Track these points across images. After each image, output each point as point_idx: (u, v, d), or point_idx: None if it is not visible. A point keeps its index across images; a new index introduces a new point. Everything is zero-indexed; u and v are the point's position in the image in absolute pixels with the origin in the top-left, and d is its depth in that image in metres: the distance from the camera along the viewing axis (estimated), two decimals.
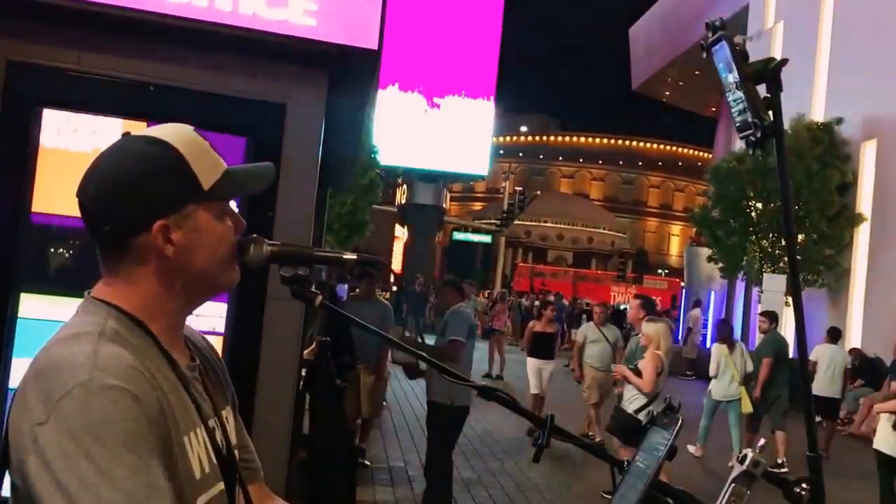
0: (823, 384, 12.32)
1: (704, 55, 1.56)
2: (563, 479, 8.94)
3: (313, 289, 1.47)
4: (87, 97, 3.60)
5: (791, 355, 11.33)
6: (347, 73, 4.10)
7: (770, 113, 1.46)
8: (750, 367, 10.76)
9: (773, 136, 1.45)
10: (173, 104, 3.61)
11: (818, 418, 12.15)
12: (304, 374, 6.73)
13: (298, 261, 1.48)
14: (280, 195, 3.92)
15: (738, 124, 1.49)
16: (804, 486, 1.36)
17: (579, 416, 11.32)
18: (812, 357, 12.69)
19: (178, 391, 1.32)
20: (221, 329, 4.07)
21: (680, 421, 1.39)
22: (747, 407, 10.41)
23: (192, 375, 1.41)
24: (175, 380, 1.33)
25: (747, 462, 1.36)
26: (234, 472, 1.44)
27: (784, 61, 1.50)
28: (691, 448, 10.72)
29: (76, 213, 1.35)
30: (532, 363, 12.18)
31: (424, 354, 1.77)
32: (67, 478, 1.09)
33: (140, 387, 1.20)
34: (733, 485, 1.37)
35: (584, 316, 23.84)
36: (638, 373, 7.42)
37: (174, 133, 1.37)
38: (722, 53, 1.52)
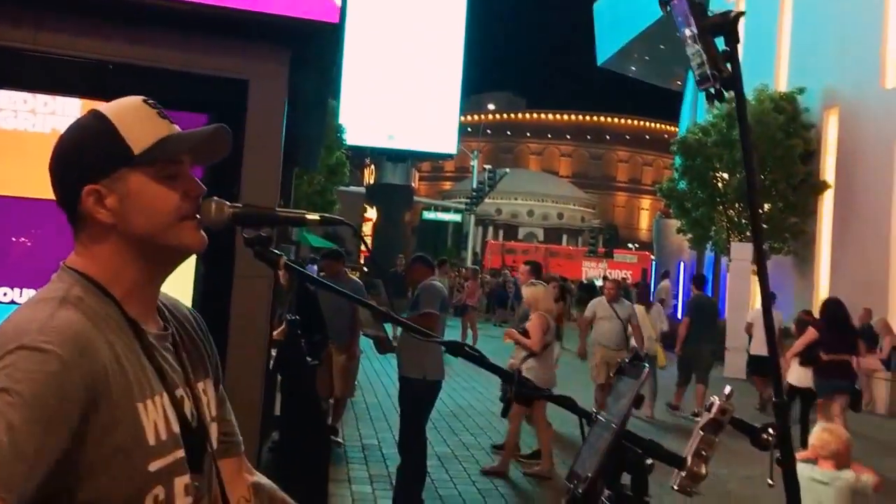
0: (759, 344, 13.11)
1: (662, 9, 1.56)
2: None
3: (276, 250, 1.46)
4: (43, 77, 3.54)
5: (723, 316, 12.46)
6: (310, 48, 4.06)
7: (728, 65, 1.46)
8: (665, 327, 12.52)
9: (731, 88, 1.46)
10: (133, 82, 3.55)
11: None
12: (274, 354, 6.72)
13: (261, 221, 1.47)
14: (245, 172, 3.89)
15: (697, 78, 1.50)
16: (770, 431, 1.37)
17: (584, 398, 10.40)
18: (749, 320, 14.03)
19: (139, 359, 1.34)
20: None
21: (646, 369, 1.40)
22: (661, 361, 11.95)
23: (162, 345, 1.42)
24: (137, 347, 1.35)
25: (714, 410, 1.37)
26: (202, 442, 1.43)
27: (741, 14, 1.51)
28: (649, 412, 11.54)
29: (35, 194, 1.38)
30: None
31: (402, 318, 1.76)
32: None
33: (77, 356, 1.22)
34: (702, 433, 1.37)
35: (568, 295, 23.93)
36: (526, 334, 8.02)
37: (116, 103, 1.43)
38: (680, 7, 1.53)
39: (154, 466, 1.31)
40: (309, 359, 6.77)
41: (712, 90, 1.48)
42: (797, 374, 9.93)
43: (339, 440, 8.94)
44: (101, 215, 1.36)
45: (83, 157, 1.37)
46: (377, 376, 13.35)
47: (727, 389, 1.40)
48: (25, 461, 1.12)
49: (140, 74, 3.57)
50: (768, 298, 1.62)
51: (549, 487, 7.74)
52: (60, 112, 3.51)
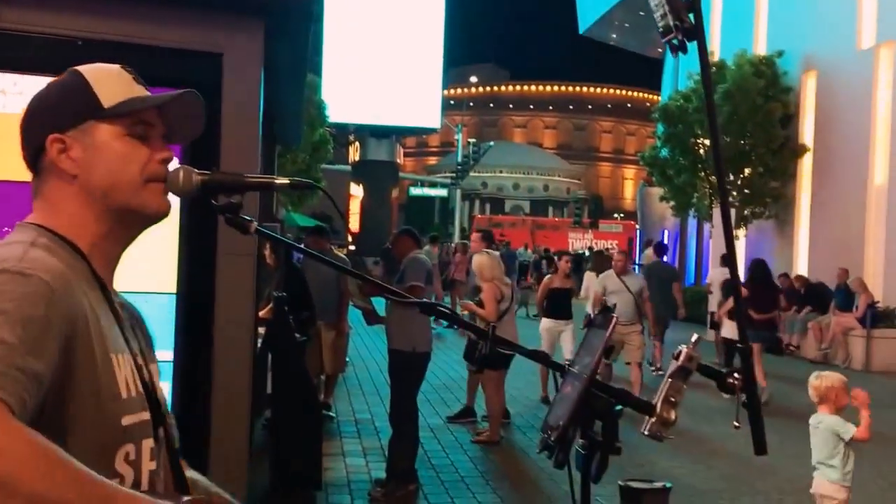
0: (716, 301, 13.82)
1: None
2: (530, 420, 9.08)
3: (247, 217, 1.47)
4: (11, 55, 3.50)
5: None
6: (283, 19, 4.05)
7: (691, 16, 1.48)
8: None
9: (694, 39, 1.47)
10: (104, 59, 3.51)
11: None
12: (263, 333, 6.74)
13: (230, 188, 1.48)
14: (224, 147, 3.88)
15: (660, 29, 1.51)
16: (736, 375, 1.40)
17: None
18: (708, 280, 15.42)
19: (108, 314, 1.35)
20: (173, 288, 4.04)
21: (615, 320, 1.43)
22: None
23: (122, 312, 1.43)
24: (105, 303, 1.35)
25: (682, 357, 1.40)
26: (160, 410, 1.43)
27: None
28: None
29: (5, 176, 1.38)
30: (548, 325, 10.18)
31: (391, 286, 1.78)
32: None
33: (61, 286, 1.22)
34: (670, 380, 1.41)
35: (545, 262, 23.95)
36: (482, 304, 8.07)
37: (95, 65, 1.44)
38: None
39: (126, 421, 1.31)
40: (297, 335, 6.80)
41: (675, 41, 1.50)
42: (729, 329, 11.62)
43: (332, 415, 9.00)
44: (64, 164, 1.36)
45: (51, 107, 1.39)
46: (368, 352, 13.40)
47: (694, 337, 1.43)
48: (24, 373, 1.11)
49: (111, 50, 3.53)
50: (734, 256, 1.65)
51: (541, 456, 7.82)
52: (30, 92, 3.48)
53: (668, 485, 1.41)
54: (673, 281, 13.46)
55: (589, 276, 13.02)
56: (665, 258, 15.32)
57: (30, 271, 1.20)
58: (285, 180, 1.51)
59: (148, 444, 1.37)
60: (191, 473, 1.61)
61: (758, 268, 11.40)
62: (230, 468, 4.09)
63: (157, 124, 1.43)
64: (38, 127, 1.38)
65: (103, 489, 1.13)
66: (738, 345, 1.40)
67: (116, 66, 1.45)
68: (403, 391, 6.63)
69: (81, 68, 1.42)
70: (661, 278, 12.94)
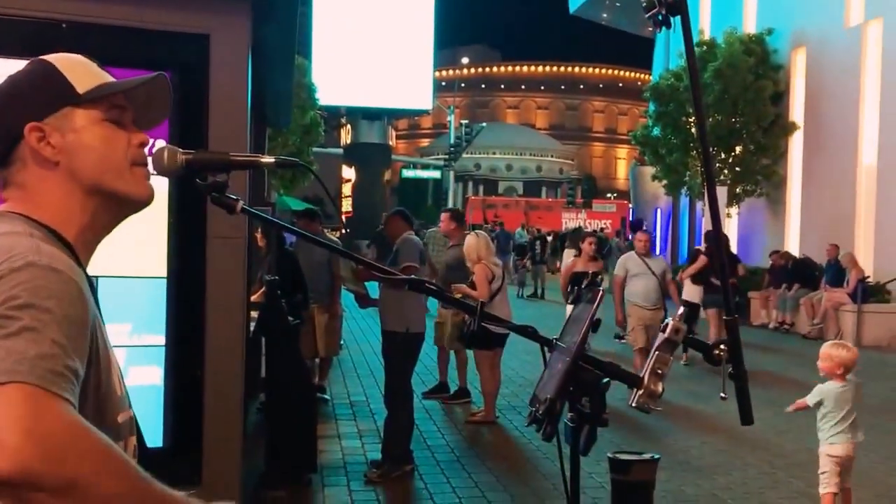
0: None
1: None
2: (525, 400, 9.11)
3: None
4: None
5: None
6: (272, 0, 4.02)
7: None
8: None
9: (678, 13, 1.47)
10: (89, 41, 3.49)
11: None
12: (256, 316, 6.74)
13: (215, 167, 1.47)
14: (212, 129, 3.86)
15: (644, 3, 1.51)
16: (722, 347, 1.41)
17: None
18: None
19: (95, 307, 1.33)
20: (164, 272, 4.03)
21: (602, 293, 1.43)
22: None
23: None
24: (91, 296, 1.34)
25: (669, 330, 1.41)
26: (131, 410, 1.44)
27: None
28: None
29: None
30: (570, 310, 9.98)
31: (383, 266, 1.78)
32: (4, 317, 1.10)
33: (82, 282, 1.23)
34: (657, 353, 1.41)
35: (538, 243, 23.92)
36: (473, 286, 7.99)
37: (58, 54, 1.42)
38: None
39: (121, 418, 1.33)
40: (290, 319, 6.80)
41: (659, 17, 1.50)
42: (689, 292, 12.43)
43: (327, 397, 9.02)
44: (45, 152, 1.33)
45: (26, 96, 1.36)
46: (362, 334, 13.42)
47: (680, 310, 1.43)
48: (73, 373, 1.12)
49: (96, 33, 3.51)
50: (720, 232, 1.65)
51: (537, 435, 7.86)
52: None
53: (656, 456, 1.42)
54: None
55: (567, 254, 14.60)
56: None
57: (58, 266, 1.19)
58: (271, 159, 1.51)
59: (132, 441, 1.39)
60: None
61: (715, 237, 11.85)
62: (225, 452, 4.10)
63: (129, 109, 1.42)
64: (11, 116, 1.35)
65: (164, 494, 1.17)
66: (701, 307, 1.41)
67: (79, 55, 1.43)
68: (398, 372, 6.64)
69: (47, 57, 1.40)
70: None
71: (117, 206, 1.40)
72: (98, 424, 1.24)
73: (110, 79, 1.42)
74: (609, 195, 69.31)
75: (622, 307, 9.50)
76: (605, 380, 1.38)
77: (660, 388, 1.39)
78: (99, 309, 1.36)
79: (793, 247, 19.08)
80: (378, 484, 6.24)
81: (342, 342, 10.65)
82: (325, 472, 6.48)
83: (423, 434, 7.54)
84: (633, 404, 1.39)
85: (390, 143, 52.35)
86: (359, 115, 44.80)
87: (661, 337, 1.42)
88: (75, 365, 1.13)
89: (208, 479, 3.77)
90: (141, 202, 1.41)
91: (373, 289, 7.74)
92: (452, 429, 8.12)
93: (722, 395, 1.46)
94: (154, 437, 3.80)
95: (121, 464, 1.12)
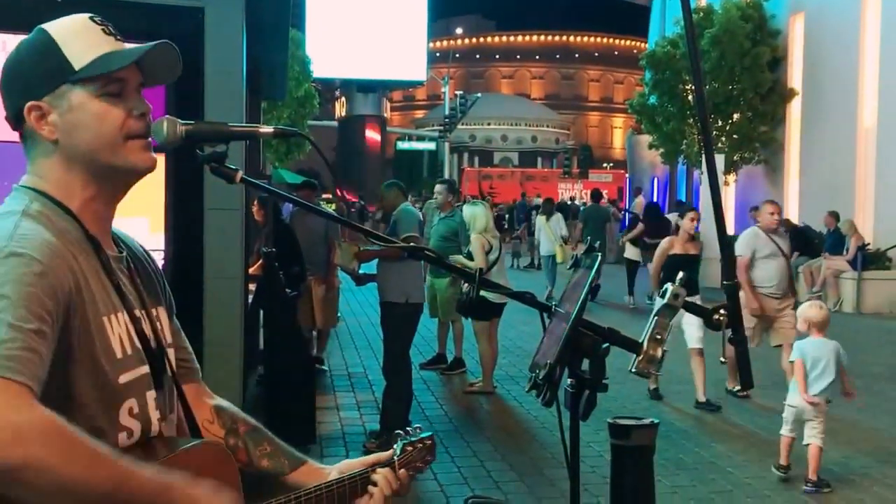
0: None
1: None
2: (523, 370, 9.15)
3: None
4: None
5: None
6: None
7: None
8: (565, 232, 15.67)
9: None
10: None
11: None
12: (253, 289, 6.76)
13: (214, 137, 1.47)
14: (207, 101, 3.85)
15: None
16: (722, 312, 1.42)
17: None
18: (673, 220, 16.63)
19: (99, 275, 1.36)
20: (161, 244, 4.03)
21: (600, 258, 1.44)
22: (560, 258, 14.55)
23: (118, 266, 1.44)
24: (97, 264, 1.37)
25: (668, 295, 1.42)
26: (162, 360, 1.47)
27: None
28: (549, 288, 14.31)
29: None
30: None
31: (379, 233, 1.78)
32: None
33: (52, 260, 1.25)
34: (657, 318, 1.42)
35: (534, 212, 23.90)
36: (470, 257, 7.96)
37: (62, 19, 1.42)
38: None
39: (123, 379, 1.35)
40: (288, 291, 6.82)
41: None
42: (631, 252, 14.44)
43: (325, 369, 9.06)
44: (44, 131, 1.37)
45: (24, 74, 1.39)
46: (360, 306, 13.44)
47: (680, 275, 1.44)
48: (35, 353, 1.15)
49: (92, 7, 3.47)
50: (719, 200, 1.66)
51: (535, 405, 7.91)
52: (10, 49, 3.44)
53: (656, 421, 1.43)
54: (606, 222, 16.78)
55: (540, 220, 15.95)
56: (602, 202, 18.56)
57: (21, 250, 1.22)
58: (269, 129, 1.51)
59: (151, 395, 1.41)
60: (217, 402, 1.72)
61: (651, 208, 16.39)
62: None
63: (132, 77, 1.42)
64: (14, 94, 1.39)
65: (132, 473, 1.18)
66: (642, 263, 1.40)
67: (84, 18, 1.42)
68: (397, 343, 6.66)
69: (49, 26, 1.40)
70: (597, 221, 15.95)
71: (117, 177, 1.43)
72: (96, 388, 1.29)
73: (113, 46, 1.41)
74: (605, 165, 69.19)
75: (750, 289, 7.59)
76: (605, 345, 1.39)
77: (659, 353, 1.40)
78: (110, 276, 1.38)
79: (792, 214, 19.08)
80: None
81: (340, 314, 10.67)
82: (323, 442, 6.52)
83: (421, 405, 7.58)
84: (634, 370, 1.41)
85: (385, 114, 52.14)
86: (353, 88, 44.67)
87: (659, 302, 1.42)
88: (35, 343, 1.15)
89: None
90: (142, 172, 1.44)
91: (365, 267, 7.76)
92: (451, 399, 8.17)
93: (721, 359, 1.47)
94: None
95: (78, 446, 1.13)
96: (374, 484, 1.62)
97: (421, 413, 7.36)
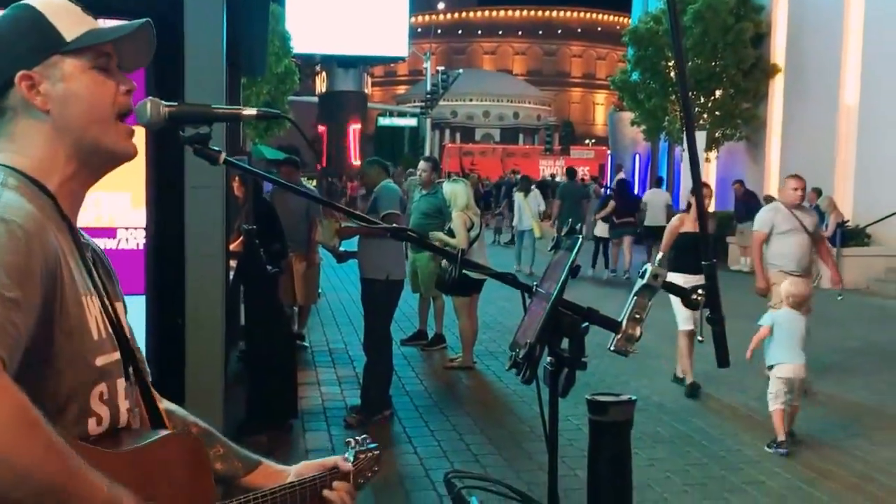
0: (651, 217, 16.08)
1: None
2: (502, 346, 9.21)
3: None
4: None
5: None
6: None
7: None
8: (543, 207, 16.76)
9: None
10: None
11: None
12: (234, 266, 6.74)
13: (197, 119, 1.48)
14: (188, 78, 3.82)
15: None
16: (700, 292, 1.44)
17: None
18: (644, 199, 16.96)
19: (75, 255, 1.35)
20: (142, 223, 4.02)
21: (580, 240, 1.46)
22: (537, 232, 15.43)
23: (87, 252, 1.44)
24: (73, 245, 1.35)
25: (647, 275, 1.44)
26: (130, 351, 1.45)
27: None
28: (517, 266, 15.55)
29: None
30: (677, 281, 7.78)
31: (362, 215, 1.79)
32: None
33: (38, 229, 1.23)
34: (636, 298, 1.44)
35: (514, 189, 23.87)
36: (452, 235, 7.99)
37: None
38: None
39: (99, 362, 1.34)
40: (269, 267, 6.81)
41: None
42: (600, 229, 15.56)
43: (306, 345, 9.08)
44: (36, 101, 1.34)
45: (14, 44, 1.35)
46: (340, 282, 13.45)
47: (659, 255, 1.46)
48: (13, 324, 1.13)
49: None
50: (699, 176, 1.68)
51: (514, 380, 7.98)
52: None
53: (634, 398, 1.46)
54: (582, 199, 17.43)
55: (518, 197, 16.30)
56: (579, 179, 19.33)
57: (6, 215, 1.19)
58: (253, 111, 1.51)
59: (121, 383, 1.39)
60: (166, 405, 1.64)
61: (621, 185, 17.19)
62: (206, 400, 4.14)
63: (113, 55, 1.42)
64: (1, 65, 1.35)
65: (82, 476, 1.16)
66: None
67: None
68: (377, 319, 6.69)
69: (32, 2, 1.38)
70: (572, 197, 16.54)
71: (101, 159, 1.42)
72: (72, 368, 1.27)
73: (96, 25, 1.42)
74: (587, 141, 69.17)
75: (764, 271, 7.40)
76: (585, 324, 1.41)
77: (637, 332, 1.42)
78: (83, 258, 1.37)
79: (773, 190, 19.18)
80: (358, 428, 6.33)
81: (320, 290, 10.68)
82: (305, 417, 6.56)
83: (401, 380, 7.63)
84: (612, 348, 1.43)
85: (366, 90, 51.84)
86: (334, 63, 44.31)
87: (639, 282, 1.45)
88: (14, 315, 1.13)
89: None
90: (123, 158, 1.43)
91: (346, 244, 7.75)
92: (431, 374, 8.23)
93: (699, 338, 1.50)
94: None
95: (39, 431, 1.11)
96: (329, 498, 1.62)
97: (401, 388, 7.41)
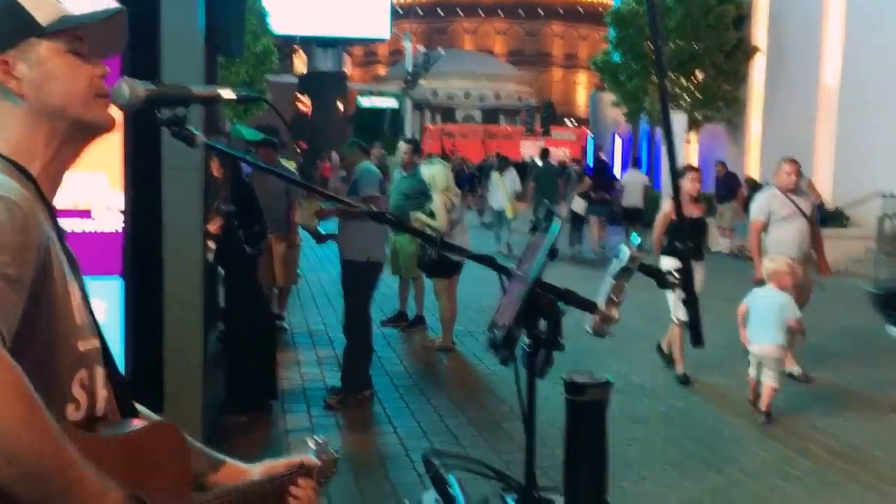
0: (629, 198, 16.73)
1: None
2: (482, 326, 9.24)
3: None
4: None
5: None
6: None
7: None
8: (518, 187, 16.64)
9: None
10: None
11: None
12: (213, 247, 6.71)
13: (175, 100, 1.47)
14: (164, 59, 3.80)
15: None
16: (674, 273, 1.45)
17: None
18: (623, 180, 17.49)
19: (57, 238, 1.34)
20: (120, 204, 3.99)
21: (560, 223, 1.46)
22: (510, 212, 15.63)
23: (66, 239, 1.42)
24: (54, 227, 1.35)
25: (625, 258, 1.45)
26: (104, 339, 1.45)
27: None
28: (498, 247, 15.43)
29: None
30: (669, 266, 7.19)
31: (340, 197, 1.79)
32: None
33: (31, 207, 1.23)
34: (614, 280, 1.45)
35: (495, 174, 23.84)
36: (432, 216, 7.97)
37: None
38: None
39: (81, 346, 1.33)
40: (248, 249, 6.79)
41: None
42: (577, 205, 15.83)
43: (286, 326, 9.07)
44: (12, 84, 1.33)
45: None
46: (320, 263, 13.43)
47: (637, 239, 1.47)
48: (8, 300, 1.13)
49: None
50: (674, 157, 1.69)
51: (494, 361, 8.01)
52: None
53: (610, 378, 1.48)
54: (557, 178, 17.78)
55: (494, 176, 16.55)
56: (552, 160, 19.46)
57: (3, 194, 1.19)
58: (232, 93, 1.50)
59: (100, 371, 1.39)
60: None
61: (598, 163, 18.15)
62: (185, 382, 4.14)
63: (86, 40, 1.41)
64: None
65: (77, 464, 1.16)
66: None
67: None
68: (357, 301, 6.69)
69: None
70: (546, 178, 17.01)
71: (81, 134, 1.41)
72: (56, 352, 1.27)
73: (68, 9, 1.40)
74: (568, 122, 69.18)
75: (762, 260, 6.97)
76: (562, 305, 1.42)
77: (615, 314, 1.43)
78: (63, 242, 1.37)
79: (753, 172, 19.30)
80: (338, 409, 6.35)
81: (300, 271, 10.66)
82: (285, 398, 6.57)
83: (381, 361, 7.64)
84: (589, 329, 1.44)
85: (346, 71, 51.57)
86: (313, 43, 43.97)
87: (616, 264, 1.46)
88: (9, 294, 1.13)
89: (169, 409, 3.80)
90: (105, 129, 1.42)
91: (326, 226, 7.74)
92: (411, 355, 8.25)
93: (674, 318, 1.51)
94: None
95: (38, 413, 1.11)
96: (295, 495, 1.62)
97: (381, 369, 7.42)
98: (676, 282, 1.45)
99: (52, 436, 1.13)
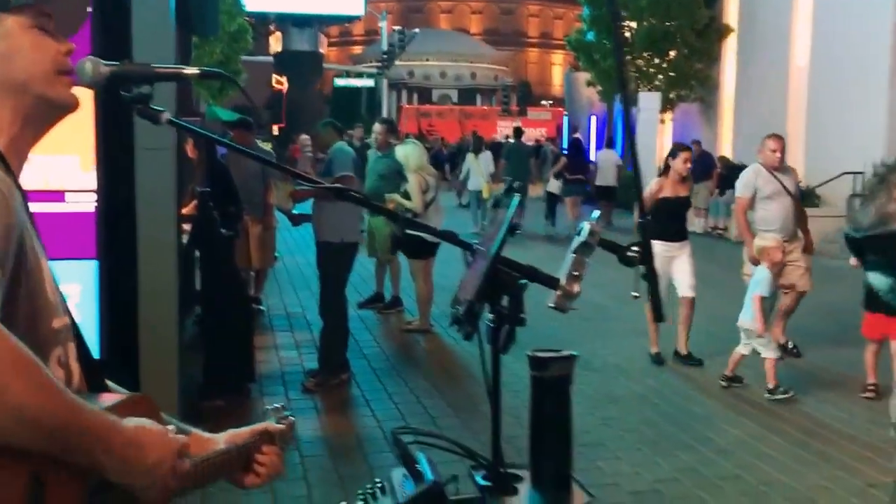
0: (602, 177, 17.19)
1: None
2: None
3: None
4: None
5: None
6: None
7: None
8: (492, 169, 16.72)
9: None
10: None
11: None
12: (189, 229, 6.68)
13: (138, 79, 1.47)
14: (135, 38, 3.77)
15: None
16: (635, 248, 1.48)
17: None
18: (597, 159, 18.02)
19: (27, 218, 1.34)
20: (92, 184, 3.98)
21: (519, 198, 1.49)
22: (486, 193, 15.49)
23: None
24: (24, 207, 1.34)
25: (585, 233, 1.47)
26: (73, 319, 1.46)
27: None
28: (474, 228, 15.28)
29: None
30: (655, 249, 6.05)
31: (311, 177, 1.80)
32: None
33: (6, 187, 1.24)
34: (574, 255, 1.48)
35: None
36: (407, 197, 7.98)
37: None
38: None
39: (55, 324, 1.35)
40: (224, 231, 6.77)
41: None
42: (553, 186, 16.26)
43: (263, 309, 9.06)
44: None
45: None
46: (297, 246, 13.40)
47: (595, 213, 1.50)
48: None
49: None
50: (633, 139, 1.72)
51: (470, 343, 8.04)
52: None
53: (575, 353, 1.51)
54: (529, 157, 17.82)
55: (469, 157, 16.63)
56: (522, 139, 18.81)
57: None
58: (195, 70, 1.51)
59: (72, 347, 1.41)
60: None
61: (574, 143, 18.01)
62: (161, 366, 4.14)
63: (52, 16, 1.41)
64: None
65: (82, 408, 1.20)
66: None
67: None
68: (333, 282, 6.70)
69: None
70: (517, 157, 16.78)
71: (46, 112, 1.41)
72: (33, 330, 1.28)
73: None
74: (544, 102, 69.12)
75: (750, 234, 6.95)
76: (523, 281, 1.45)
77: (576, 289, 1.46)
78: (31, 218, 1.37)
79: (726, 151, 19.41)
80: (316, 392, 6.37)
81: (277, 254, 10.64)
82: (263, 381, 6.58)
83: (359, 343, 7.66)
84: (552, 304, 1.47)
85: (321, 50, 51.21)
86: (289, 22, 43.61)
87: (576, 240, 1.48)
88: None
89: (145, 391, 3.81)
90: (69, 109, 1.42)
91: (302, 207, 7.73)
92: (388, 337, 8.28)
93: (634, 293, 1.54)
94: None
95: (39, 372, 1.15)
96: (261, 462, 1.65)
97: (358, 351, 7.44)
98: (636, 256, 1.47)
99: (57, 389, 1.17)
